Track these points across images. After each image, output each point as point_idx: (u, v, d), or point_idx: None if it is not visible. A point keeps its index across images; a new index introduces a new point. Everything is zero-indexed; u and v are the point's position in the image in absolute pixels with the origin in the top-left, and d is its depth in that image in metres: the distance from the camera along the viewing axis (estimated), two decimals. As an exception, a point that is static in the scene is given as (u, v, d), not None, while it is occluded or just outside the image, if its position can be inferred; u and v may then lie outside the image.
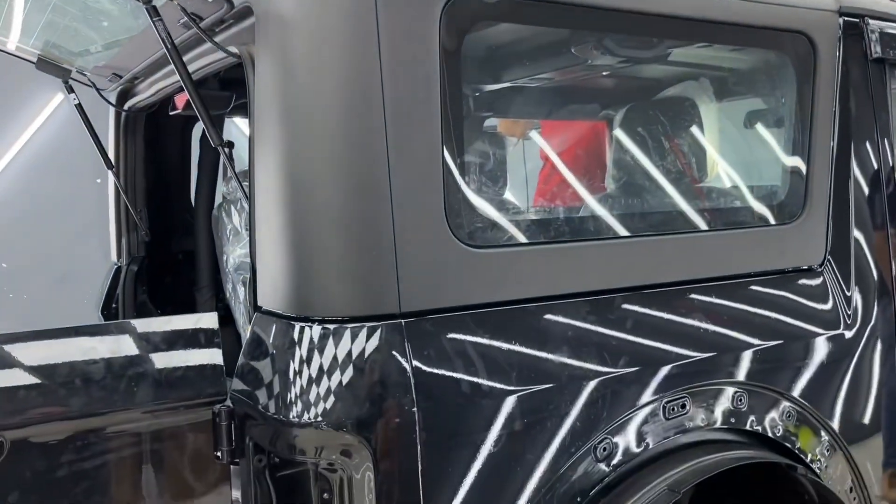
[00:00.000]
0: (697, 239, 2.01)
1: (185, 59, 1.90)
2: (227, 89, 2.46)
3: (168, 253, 3.18)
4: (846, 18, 2.18)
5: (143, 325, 1.61)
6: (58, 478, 1.48)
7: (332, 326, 1.51)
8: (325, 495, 1.47)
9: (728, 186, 2.41)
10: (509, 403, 1.58)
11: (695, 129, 2.47)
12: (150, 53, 2.38)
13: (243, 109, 2.21)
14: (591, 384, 1.68)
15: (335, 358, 1.49)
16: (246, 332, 1.67)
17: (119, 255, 3.11)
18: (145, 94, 2.65)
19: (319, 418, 1.46)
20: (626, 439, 1.72)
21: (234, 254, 2.68)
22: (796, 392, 1.99)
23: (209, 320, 1.63)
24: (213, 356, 1.61)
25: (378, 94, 1.49)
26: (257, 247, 1.67)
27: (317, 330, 1.51)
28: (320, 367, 1.49)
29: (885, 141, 2.29)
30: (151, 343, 1.58)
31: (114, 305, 3.08)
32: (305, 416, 1.47)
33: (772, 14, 2.01)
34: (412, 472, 1.47)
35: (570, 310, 1.73)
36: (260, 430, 1.54)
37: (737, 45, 2.21)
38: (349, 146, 1.51)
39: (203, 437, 1.57)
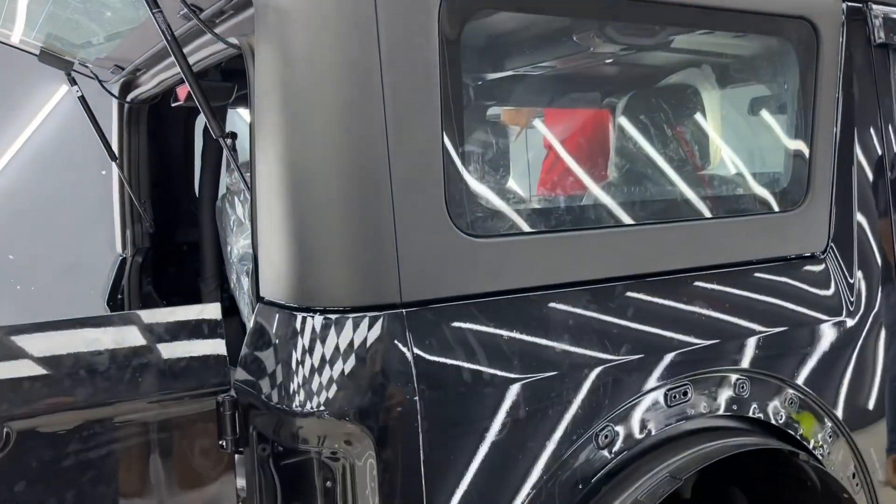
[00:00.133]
0: (700, 226, 2.00)
1: (185, 50, 1.90)
2: (229, 80, 2.46)
3: (172, 244, 3.19)
4: (849, 4, 2.16)
5: (148, 315, 1.61)
6: (63, 468, 1.49)
7: (333, 316, 1.51)
8: (328, 484, 1.49)
9: (731, 174, 2.40)
10: (511, 392, 1.58)
11: (697, 117, 2.46)
12: (151, 45, 2.38)
13: (245, 100, 2.21)
14: (593, 372, 1.68)
15: (337, 348, 1.49)
16: (250, 323, 1.68)
17: (124, 247, 3.13)
18: (148, 85, 2.65)
19: (322, 407, 1.47)
20: (628, 427, 1.72)
21: (237, 244, 2.69)
22: (799, 379, 1.99)
23: (213, 311, 1.64)
24: (217, 346, 1.61)
25: (378, 83, 1.49)
26: (259, 237, 1.67)
27: (319, 320, 1.52)
28: (322, 357, 1.49)
29: (889, 127, 2.28)
30: (156, 333, 1.59)
31: (119, 296, 3.10)
32: (308, 406, 1.48)
33: (775, 0, 2.00)
34: (414, 460, 1.48)
35: (572, 298, 1.73)
36: (263, 420, 1.55)
37: (739, 32, 2.19)
38: (349, 136, 1.51)
39: (207, 427, 1.59)
